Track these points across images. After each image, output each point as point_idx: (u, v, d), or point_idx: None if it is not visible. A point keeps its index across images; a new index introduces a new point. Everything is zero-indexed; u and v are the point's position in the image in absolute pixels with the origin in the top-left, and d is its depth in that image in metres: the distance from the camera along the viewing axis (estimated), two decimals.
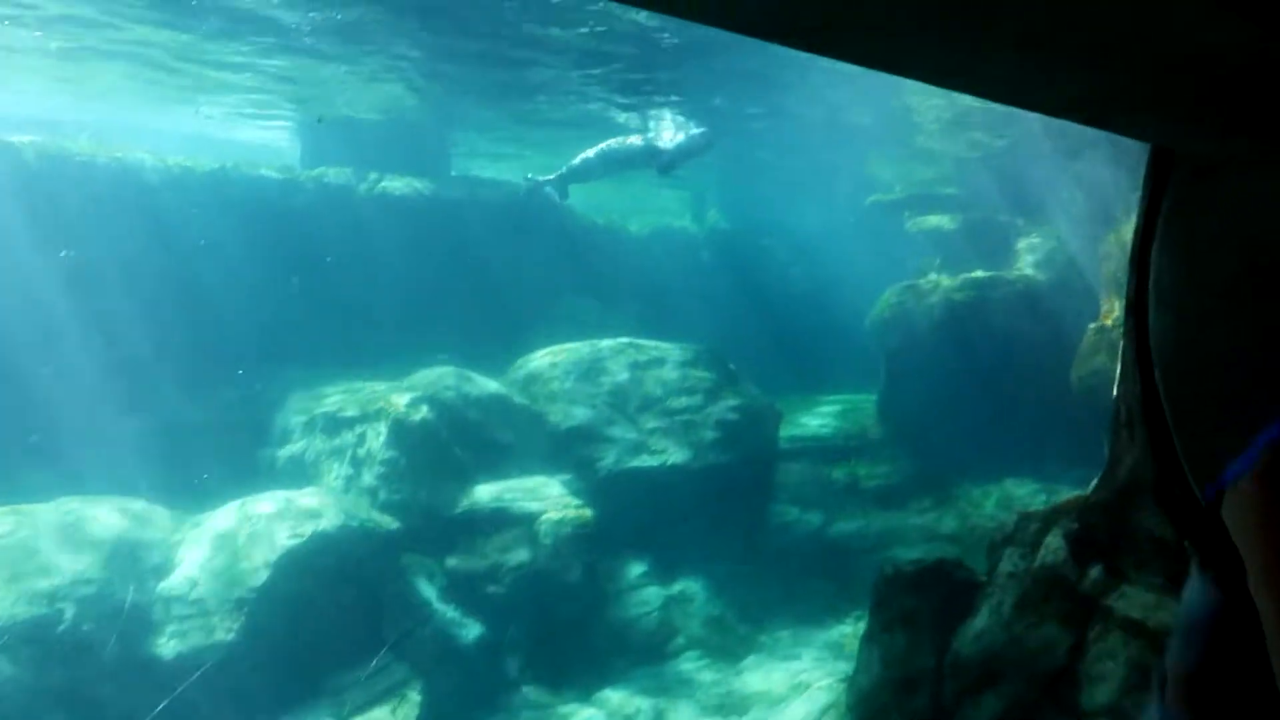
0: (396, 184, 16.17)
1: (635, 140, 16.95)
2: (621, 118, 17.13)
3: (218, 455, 13.54)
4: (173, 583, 11.55)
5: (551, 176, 17.48)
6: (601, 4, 12.36)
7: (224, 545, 12.04)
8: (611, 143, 16.76)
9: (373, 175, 16.04)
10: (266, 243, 14.81)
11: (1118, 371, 10.83)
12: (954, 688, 9.25)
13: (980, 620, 9.27)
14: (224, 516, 12.38)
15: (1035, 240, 15.13)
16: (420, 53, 14.51)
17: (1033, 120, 14.35)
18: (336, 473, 13.92)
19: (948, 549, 13.64)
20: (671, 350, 15.54)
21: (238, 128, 20.20)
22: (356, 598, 12.44)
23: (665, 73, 14.93)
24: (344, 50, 14.41)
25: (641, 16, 12.34)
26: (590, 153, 17.01)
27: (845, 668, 12.26)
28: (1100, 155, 13.66)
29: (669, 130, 17.07)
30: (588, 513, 13.49)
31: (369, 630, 12.36)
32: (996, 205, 15.94)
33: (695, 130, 16.49)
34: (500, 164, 20.85)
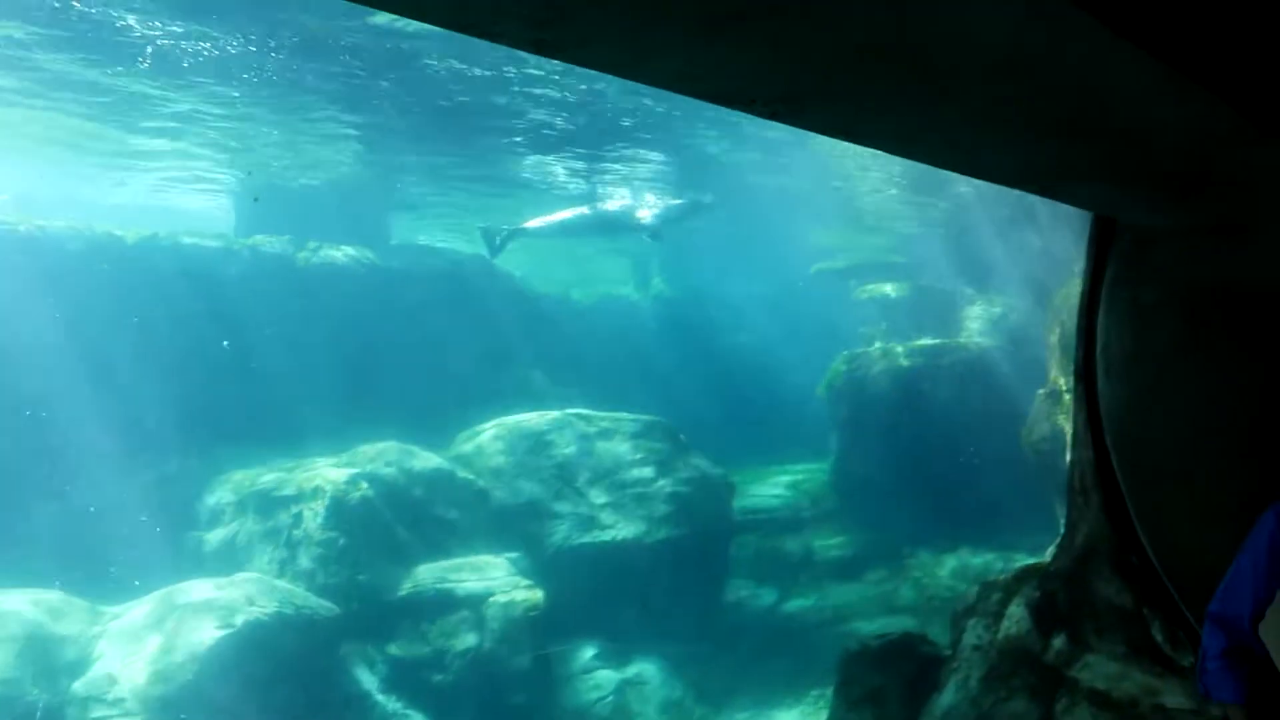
0: (336, 253, 15.99)
1: (613, 206, 17.26)
2: (571, 185, 17.31)
3: (140, 541, 12.93)
4: (90, 681, 10.89)
5: (505, 229, 17.57)
6: (545, 73, 12.57)
7: (147, 639, 11.42)
8: (585, 209, 17.01)
9: (311, 244, 15.83)
10: (200, 314, 14.45)
11: (1069, 437, 11.09)
12: None
13: (948, 696, 9.21)
14: (147, 607, 11.77)
15: (982, 308, 15.59)
16: (361, 119, 14.50)
17: (978, 191, 14.91)
18: (270, 556, 13.39)
19: (906, 621, 13.63)
20: (621, 421, 15.47)
21: (168, 195, 19.82)
22: (292, 691, 11.86)
23: (618, 143, 15.17)
24: (278, 115, 14.32)
25: (596, 84, 12.55)
26: (563, 215, 17.14)
27: None
28: (1044, 225, 14.20)
29: (651, 197, 17.48)
30: (538, 594, 13.17)
31: None
32: (943, 273, 16.40)
33: (674, 201, 16.99)
34: (443, 232, 20.77)
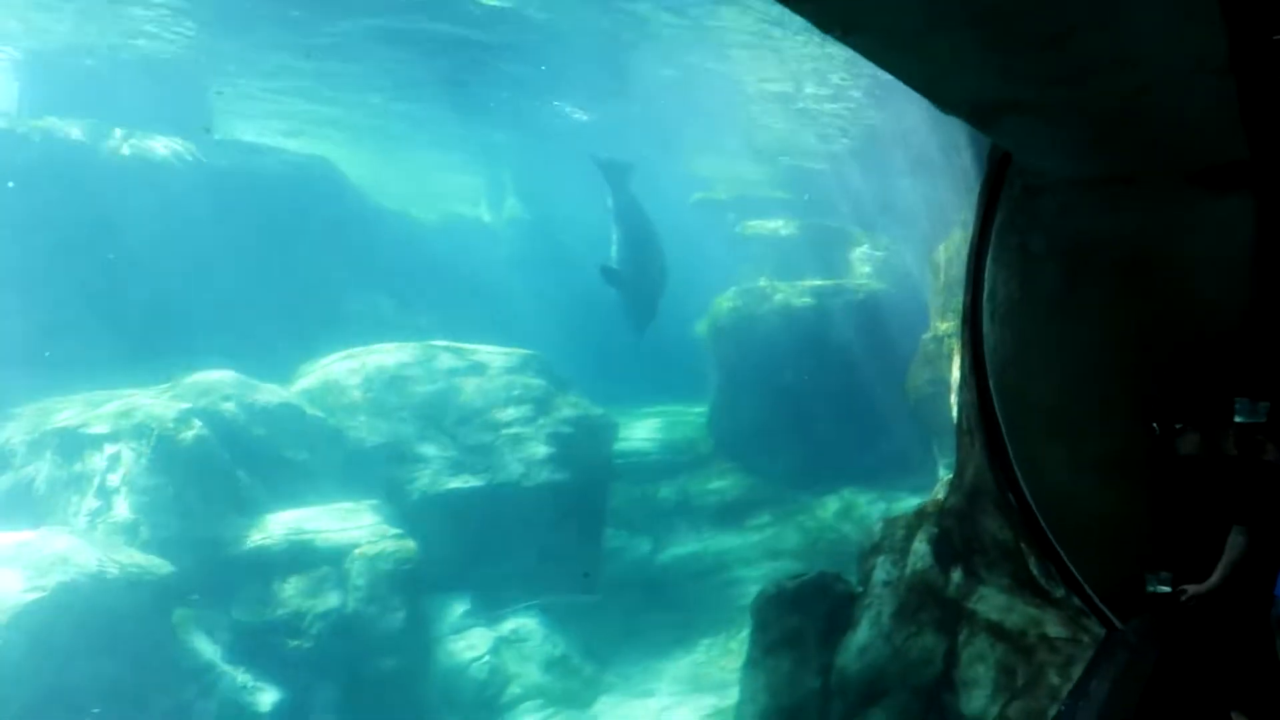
0: (151, 144, 13.99)
1: None
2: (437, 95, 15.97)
3: None
4: None
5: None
6: None
7: None
8: None
9: (119, 131, 13.75)
10: None
11: (954, 380, 11.70)
12: (840, 708, 9.46)
13: (862, 634, 9.56)
14: None
15: (868, 250, 16.03)
16: None
17: (872, 132, 15.21)
18: (78, 506, 11.77)
19: (792, 565, 14.02)
20: (493, 355, 14.77)
21: None
22: (120, 665, 10.57)
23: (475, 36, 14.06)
24: None
25: None
26: None
27: (710, 700, 12.20)
28: (935, 172, 14.72)
29: None
30: (410, 544, 12.41)
31: (136, 705, 10.54)
32: (829, 212, 16.68)
33: None
34: (273, 127, 18.53)
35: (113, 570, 10.83)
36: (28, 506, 11.72)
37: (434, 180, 21.65)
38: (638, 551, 15.21)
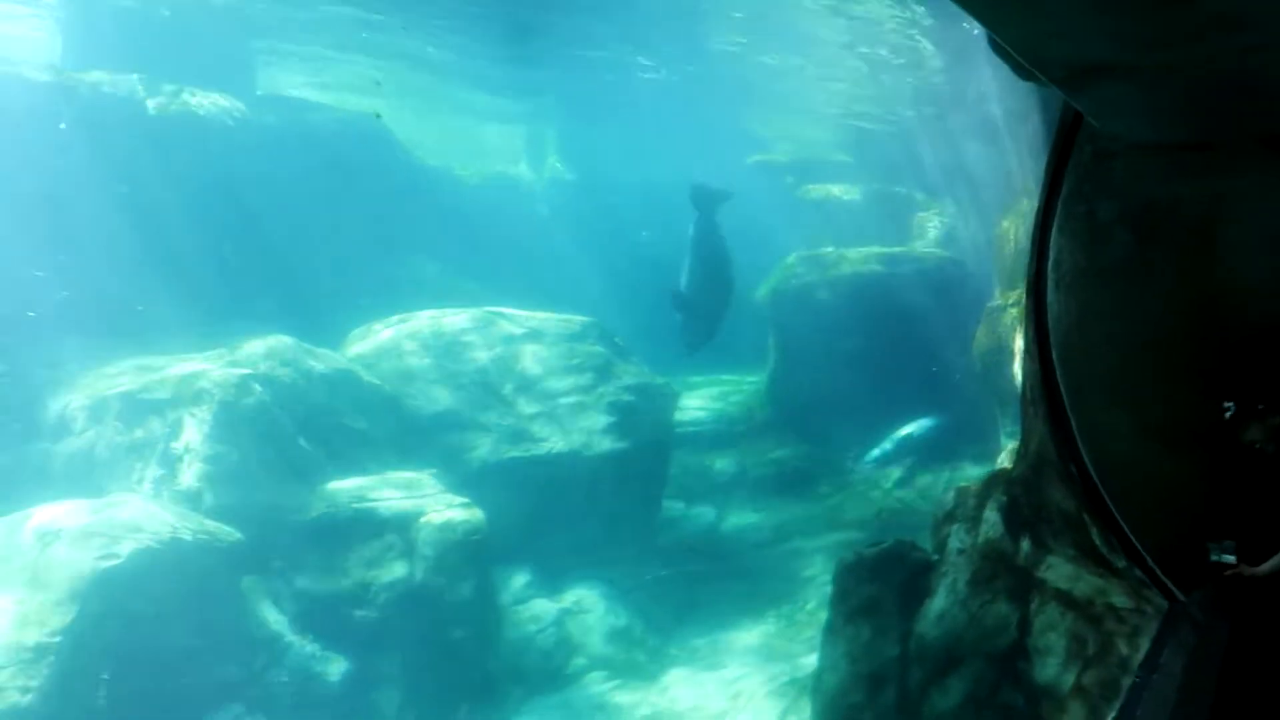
0: (200, 100, 13.93)
1: None
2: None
3: None
4: None
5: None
6: None
7: (7, 575, 9.89)
8: None
9: (168, 86, 13.68)
10: (25, 168, 12.23)
11: (1018, 348, 11.78)
12: (920, 675, 9.64)
13: (939, 601, 9.71)
14: (2, 535, 10.18)
15: (934, 217, 15.98)
16: None
17: (940, 95, 15.09)
18: (141, 474, 11.89)
19: (855, 536, 14.13)
20: (549, 322, 14.80)
21: None
22: (190, 633, 10.73)
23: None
24: None
25: None
26: None
27: (782, 670, 12.36)
28: (1002, 139, 14.67)
29: None
30: (478, 513, 12.51)
31: (208, 674, 10.73)
32: (892, 177, 16.59)
33: None
34: (314, 83, 18.37)
35: (186, 537, 10.96)
36: (89, 473, 11.85)
37: (471, 136, 21.52)
38: (698, 522, 15.33)
